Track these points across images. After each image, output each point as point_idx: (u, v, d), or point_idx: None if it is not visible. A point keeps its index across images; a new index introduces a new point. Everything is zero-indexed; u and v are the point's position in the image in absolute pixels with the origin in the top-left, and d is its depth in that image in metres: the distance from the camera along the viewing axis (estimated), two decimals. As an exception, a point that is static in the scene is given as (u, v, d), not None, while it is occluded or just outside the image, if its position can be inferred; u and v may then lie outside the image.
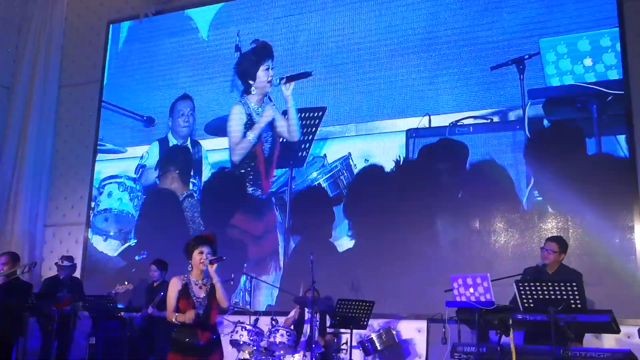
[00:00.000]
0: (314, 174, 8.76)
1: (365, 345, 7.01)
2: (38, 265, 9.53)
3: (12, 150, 9.99)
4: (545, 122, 7.80)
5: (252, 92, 9.32)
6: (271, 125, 9.15)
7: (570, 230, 7.24)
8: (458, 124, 8.38)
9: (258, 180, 8.95)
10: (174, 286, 4.54)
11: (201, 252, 4.54)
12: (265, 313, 7.53)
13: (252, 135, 9.18)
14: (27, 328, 7.93)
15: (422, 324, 7.33)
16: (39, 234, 9.92)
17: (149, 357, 7.37)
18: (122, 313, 8.03)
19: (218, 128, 9.48)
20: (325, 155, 8.82)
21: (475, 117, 8.35)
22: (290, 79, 9.17)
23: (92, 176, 9.88)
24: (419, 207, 8.01)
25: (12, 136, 10.06)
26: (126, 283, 7.83)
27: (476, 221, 7.73)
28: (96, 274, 9.44)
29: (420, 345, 7.41)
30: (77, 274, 9.49)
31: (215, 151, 9.43)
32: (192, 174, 9.40)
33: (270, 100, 9.22)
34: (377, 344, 6.95)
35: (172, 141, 9.66)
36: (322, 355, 7.12)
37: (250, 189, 8.94)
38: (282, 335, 6.81)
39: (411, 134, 8.55)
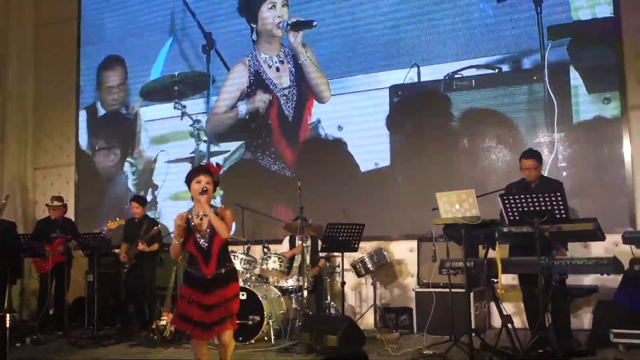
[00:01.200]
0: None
1: (357, 267, 7.10)
2: (32, 207, 9.60)
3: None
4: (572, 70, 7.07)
5: (258, 39, 8.95)
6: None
7: (560, 143, 7.19)
8: (456, 76, 7.69)
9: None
10: (176, 225, 4.30)
11: (198, 182, 4.30)
12: (257, 242, 7.56)
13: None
14: (24, 269, 8.01)
15: (414, 244, 7.39)
16: (29, 177, 9.89)
17: (138, 293, 7.44)
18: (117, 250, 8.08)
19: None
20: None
21: (478, 67, 7.62)
22: (295, 26, 8.72)
23: (78, 116, 9.76)
24: (408, 131, 7.95)
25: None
26: (118, 219, 7.84)
27: (464, 140, 7.66)
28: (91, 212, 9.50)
29: (412, 264, 7.50)
30: (71, 214, 9.55)
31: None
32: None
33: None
34: (369, 265, 7.05)
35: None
36: (315, 279, 7.23)
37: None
38: (274, 261, 6.90)
39: (396, 91, 8.05)
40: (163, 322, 6.67)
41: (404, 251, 7.66)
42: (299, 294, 6.74)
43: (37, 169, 10.00)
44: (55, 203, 7.93)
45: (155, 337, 6.61)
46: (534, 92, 7.41)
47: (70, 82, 9.87)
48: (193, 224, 4.32)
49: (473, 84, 7.74)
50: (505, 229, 5.25)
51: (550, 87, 7.32)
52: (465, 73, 7.75)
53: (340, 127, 8.34)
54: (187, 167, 8.91)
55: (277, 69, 8.90)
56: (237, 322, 4.42)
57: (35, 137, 10.02)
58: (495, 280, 5.35)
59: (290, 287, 6.93)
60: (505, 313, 5.30)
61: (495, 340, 5.25)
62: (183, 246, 4.36)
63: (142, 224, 7.74)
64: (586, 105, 7.17)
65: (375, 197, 7.90)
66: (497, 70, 7.65)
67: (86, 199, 9.70)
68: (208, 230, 4.30)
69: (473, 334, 5.31)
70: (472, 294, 6.45)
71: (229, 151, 9.09)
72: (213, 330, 4.26)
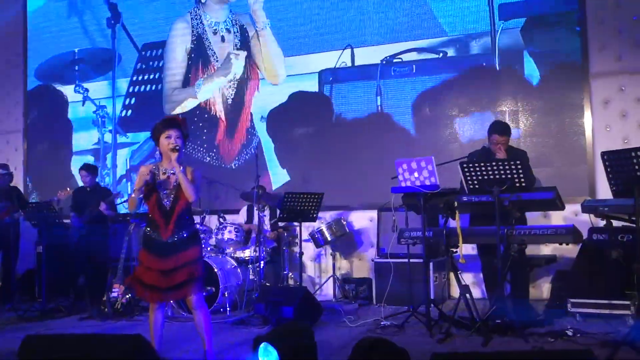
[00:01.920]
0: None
1: (316, 237, 6.96)
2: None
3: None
4: (526, 54, 6.86)
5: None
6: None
7: (521, 113, 7.09)
8: (394, 60, 7.36)
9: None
10: (141, 176, 4.06)
11: (168, 137, 4.00)
12: (212, 211, 7.33)
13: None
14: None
15: (374, 214, 7.26)
16: (-24, 144, 9.44)
17: (88, 263, 7.17)
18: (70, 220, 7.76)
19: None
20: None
21: (419, 51, 7.28)
22: None
23: (26, 80, 9.30)
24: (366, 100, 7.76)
25: None
26: (68, 189, 7.51)
27: (426, 108, 7.51)
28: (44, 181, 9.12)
29: (372, 234, 7.39)
30: (21, 182, 9.17)
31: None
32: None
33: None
34: (327, 235, 6.91)
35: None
36: (273, 250, 7.07)
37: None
38: (229, 232, 6.71)
39: (327, 77, 7.75)
40: (114, 294, 6.44)
41: (364, 221, 7.53)
42: (256, 265, 6.57)
43: (-17, 136, 9.55)
44: (0, 171, 7.55)
45: (105, 309, 6.38)
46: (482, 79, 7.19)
47: (17, 45, 9.36)
48: (159, 179, 4.05)
49: (414, 70, 7.44)
50: (464, 198, 5.15)
51: (502, 76, 7.14)
52: (405, 57, 7.46)
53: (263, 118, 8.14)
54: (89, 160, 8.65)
55: (223, 39, 8.34)
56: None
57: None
58: (455, 250, 5.26)
59: (247, 258, 6.75)
60: (463, 283, 5.22)
61: (453, 311, 5.16)
62: (141, 202, 4.12)
63: (93, 192, 7.45)
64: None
65: (335, 166, 7.72)
66: (441, 54, 7.33)
67: (36, 167, 9.29)
68: (173, 190, 4.04)
69: (431, 305, 5.23)
70: (431, 264, 6.38)
71: (137, 143, 8.68)
72: (169, 295, 4.07)
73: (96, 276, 6.98)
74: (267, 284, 6.45)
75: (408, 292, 5.94)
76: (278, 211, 6.96)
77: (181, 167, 4.01)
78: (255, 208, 6.72)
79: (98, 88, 8.97)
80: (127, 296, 6.51)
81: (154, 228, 4.05)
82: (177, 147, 3.98)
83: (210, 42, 8.42)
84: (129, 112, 8.93)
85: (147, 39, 8.80)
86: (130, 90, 8.88)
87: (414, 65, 7.50)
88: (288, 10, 8.06)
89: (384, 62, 7.56)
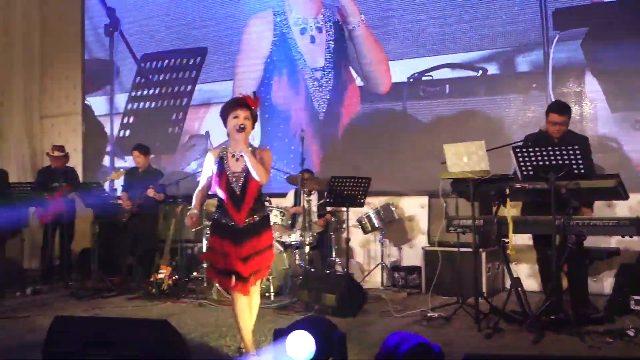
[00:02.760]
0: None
1: (363, 223, 6.77)
2: (40, 157, 9.42)
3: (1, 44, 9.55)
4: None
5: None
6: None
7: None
8: (423, 78, 6.88)
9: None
10: (208, 161, 3.91)
11: (236, 117, 3.80)
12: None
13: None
14: (28, 219, 7.88)
15: (426, 200, 7.00)
16: (37, 126, 9.69)
17: (137, 243, 7.22)
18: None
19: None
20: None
21: (452, 67, 6.79)
22: None
23: (83, 63, 9.45)
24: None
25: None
26: (121, 170, 7.61)
27: (481, 89, 7.12)
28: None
29: (423, 221, 7.13)
30: (79, 163, 9.37)
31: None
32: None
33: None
34: (375, 221, 6.70)
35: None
36: (320, 235, 6.92)
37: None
38: (275, 215, 6.59)
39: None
40: (161, 275, 6.46)
41: (415, 207, 7.27)
42: (302, 250, 6.44)
43: (44, 118, 9.78)
44: (56, 153, 7.70)
45: (153, 290, 6.41)
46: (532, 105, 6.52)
47: (76, 29, 9.52)
48: (227, 163, 3.88)
49: (447, 91, 6.87)
50: (517, 185, 4.82)
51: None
52: (436, 75, 6.90)
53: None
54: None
55: (312, 38, 7.55)
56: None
57: (42, 85, 9.76)
58: (506, 239, 4.96)
59: (293, 243, 6.63)
60: (515, 275, 4.92)
61: (503, 304, 4.88)
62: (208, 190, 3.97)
63: (145, 173, 7.49)
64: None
65: (385, 150, 7.46)
66: (480, 72, 6.68)
67: (93, 148, 9.46)
68: (243, 173, 3.84)
69: (480, 297, 4.97)
70: (484, 254, 6.08)
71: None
72: (250, 283, 3.84)
73: (145, 257, 7.03)
74: (312, 270, 6.31)
75: (458, 283, 5.67)
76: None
77: (250, 149, 3.84)
78: (302, 192, 6.57)
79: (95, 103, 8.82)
80: (175, 277, 6.53)
81: (225, 213, 3.86)
82: (243, 128, 3.78)
83: (296, 44, 7.72)
84: (127, 132, 8.73)
85: (146, 49, 8.40)
86: (129, 107, 8.66)
87: (447, 85, 7.03)
88: None
89: (411, 79, 7.11)
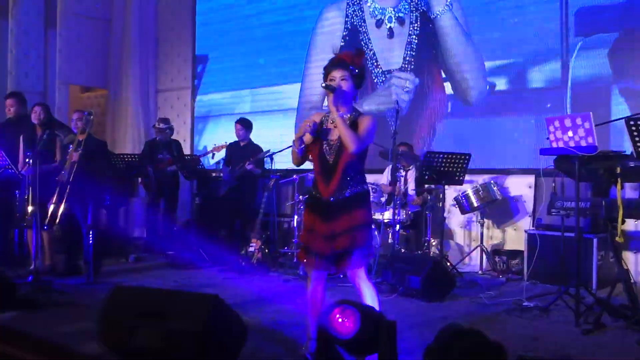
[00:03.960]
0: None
1: (461, 202, 6.32)
2: (149, 132, 9.79)
3: (120, 20, 9.98)
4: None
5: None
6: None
7: None
8: None
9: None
10: (303, 125, 3.45)
11: (332, 80, 3.39)
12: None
13: None
14: (134, 188, 8.22)
15: (533, 179, 6.41)
16: (152, 100, 10.07)
17: (235, 218, 7.26)
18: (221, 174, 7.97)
19: None
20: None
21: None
22: None
23: (194, 38, 9.65)
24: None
25: (117, 7, 10.02)
26: (225, 142, 7.67)
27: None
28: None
29: (530, 202, 6.54)
30: (187, 136, 9.64)
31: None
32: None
33: None
34: (474, 200, 6.24)
35: None
36: (416, 214, 6.57)
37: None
38: (367, 192, 6.29)
39: None
40: (251, 249, 6.45)
41: (521, 187, 6.69)
42: (396, 229, 6.14)
43: (159, 92, 10.14)
44: (161, 125, 7.91)
45: (243, 263, 6.42)
46: None
47: (187, 8, 9.73)
48: (326, 128, 3.47)
49: None
50: (631, 163, 4.21)
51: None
52: None
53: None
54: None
55: (390, 32, 6.62)
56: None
57: (158, 59, 10.11)
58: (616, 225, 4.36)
59: (386, 221, 6.34)
60: (625, 267, 4.33)
61: (607, 296, 4.31)
62: (303, 155, 3.49)
63: (246, 148, 7.50)
64: None
65: (491, 124, 6.91)
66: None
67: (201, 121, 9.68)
68: (338, 141, 3.39)
69: (582, 287, 4.42)
70: (595, 241, 5.45)
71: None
72: (330, 264, 3.42)
73: (240, 230, 7.07)
74: (402, 250, 6.00)
75: (561, 271, 5.12)
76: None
77: (348, 115, 3.40)
78: (399, 167, 6.24)
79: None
80: (266, 251, 6.50)
81: (316, 185, 3.50)
82: (331, 87, 3.33)
83: (369, 39, 6.83)
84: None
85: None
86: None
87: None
88: None
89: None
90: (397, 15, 6.73)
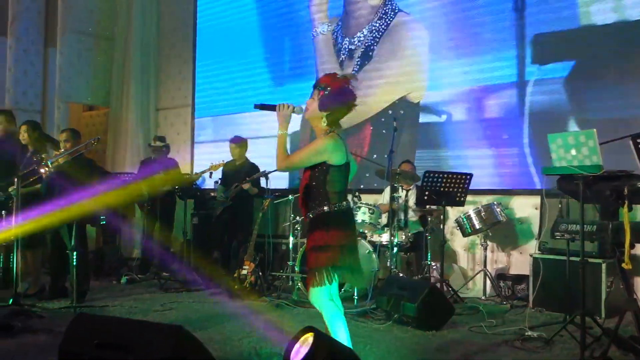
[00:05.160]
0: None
1: (462, 224, 6.03)
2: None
3: (121, 38, 9.87)
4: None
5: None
6: None
7: None
8: None
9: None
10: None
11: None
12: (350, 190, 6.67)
13: None
14: (131, 207, 8.02)
15: (539, 200, 6.11)
16: (152, 118, 9.91)
17: (232, 239, 7.02)
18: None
19: None
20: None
21: None
22: None
23: (195, 56, 9.51)
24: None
25: (119, 24, 9.91)
26: (223, 161, 7.45)
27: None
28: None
29: (536, 224, 6.23)
30: (187, 153, 9.45)
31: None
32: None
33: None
34: (476, 222, 5.94)
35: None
36: (416, 236, 6.30)
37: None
38: (364, 213, 6.05)
39: None
40: (244, 272, 6.19)
41: (527, 208, 6.38)
42: (394, 252, 5.87)
43: (159, 110, 9.99)
44: (157, 143, 7.73)
45: (236, 286, 6.16)
46: None
47: (188, 27, 9.60)
48: None
49: None
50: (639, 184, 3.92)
51: None
52: None
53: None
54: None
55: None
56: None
57: (157, 78, 9.97)
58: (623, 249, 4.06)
59: (384, 243, 6.07)
60: (634, 295, 4.02)
61: (615, 327, 3.99)
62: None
63: (242, 167, 7.28)
64: None
65: (496, 143, 6.65)
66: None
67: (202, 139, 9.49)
68: None
69: (587, 316, 4.11)
70: (604, 266, 5.13)
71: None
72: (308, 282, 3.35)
73: (234, 252, 6.83)
74: (400, 274, 5.71)
75: (566, 298, 4.80)
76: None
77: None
78: (397, 187, 5.99)
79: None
80: (259, 274, 6.23)
81: None
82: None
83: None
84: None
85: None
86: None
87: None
88: None
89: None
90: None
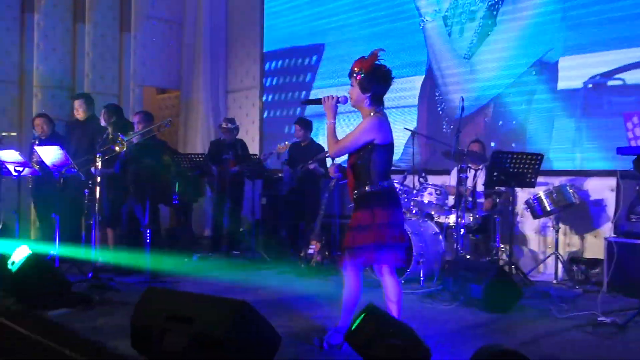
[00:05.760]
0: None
1: (533, 206, 5.86)
2: (218, 132, 9.81)
3: (192, 22, 10.08)
4: None
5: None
6: None
7: None
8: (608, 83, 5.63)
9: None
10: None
11: None
12: (414, 170, 6.60)
13: None
14: (202, 187, 8.21)
15: (614, 181, 5.86)
16: (222, 101, 10.11)
17: (299, 219, 7.10)
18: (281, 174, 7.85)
19: None
20: None
21: None
22: None
23: (262, 36, 9.59)
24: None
25: (189, 9, 10.12)
26: (286, 143, 7.54)
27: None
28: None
29: (612, 206, 5.98)
30: (256, 136, 9.59)
31: None
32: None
33: None
34: (547, 204, 5.76)
35: None
36: (485, 218, 6.17)
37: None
38: (430, 194, 5.98)
39: None
40: (310, 251, 6.26)
41: (604, 190, 6.12)
42: (461, 234, 5.77)
43: (228, 92, 10.17)
44: (228, 125, 7.87)
45: (302, 265, 6.25)
46: None
47: (255, 10, 9.68)
48: None
49: None
50: None
51: None
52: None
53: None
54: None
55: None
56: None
57: (226, 61, 10.13)
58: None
59: (452, 225, 5.98)
60: None
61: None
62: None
63: (307, 148, 7.34)
64: None
65: (569, 121, 6.38)
66: None
67: (271, 121, 9.59)
68: None
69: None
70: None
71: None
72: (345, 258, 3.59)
73: (301, 232, 6.91)
74: (468, 256, 5.62)
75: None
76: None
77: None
78: (465, 168, 5.86)
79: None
80: (326, 253, 6.29)
81: None
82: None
83: None
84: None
85: None
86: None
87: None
88: None
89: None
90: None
